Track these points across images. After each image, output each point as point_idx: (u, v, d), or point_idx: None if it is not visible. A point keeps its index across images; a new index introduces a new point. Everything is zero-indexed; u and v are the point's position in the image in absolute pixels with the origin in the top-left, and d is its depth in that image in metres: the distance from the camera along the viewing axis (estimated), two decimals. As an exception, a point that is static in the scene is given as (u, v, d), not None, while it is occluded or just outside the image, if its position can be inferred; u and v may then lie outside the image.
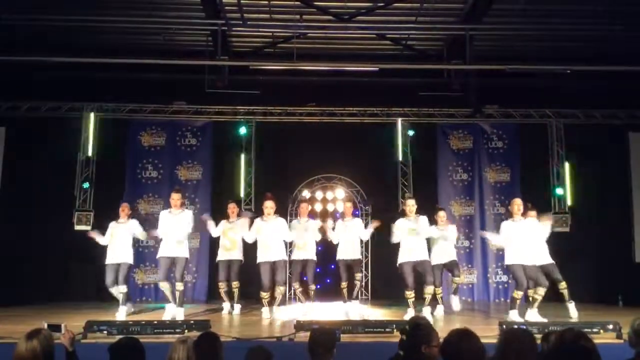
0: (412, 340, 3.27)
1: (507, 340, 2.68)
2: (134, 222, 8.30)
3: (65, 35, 9.40)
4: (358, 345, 5.70)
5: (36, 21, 8.74)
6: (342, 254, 8.82)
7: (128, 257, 8.15)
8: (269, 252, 8.01)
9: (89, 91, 10.41)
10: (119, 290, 8.01)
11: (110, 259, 8.11)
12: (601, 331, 6.03)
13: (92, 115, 10.71)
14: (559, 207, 10.84)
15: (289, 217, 10.33)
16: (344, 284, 8.88)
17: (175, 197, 7.76)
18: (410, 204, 8.00)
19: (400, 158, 11.10)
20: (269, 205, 8.15)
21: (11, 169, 10.38)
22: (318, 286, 8.88)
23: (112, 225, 8.30)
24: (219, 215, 8.99)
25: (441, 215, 8.55)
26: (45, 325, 3.59)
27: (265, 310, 7.96)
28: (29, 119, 10.53)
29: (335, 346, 3.66)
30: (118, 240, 8.15)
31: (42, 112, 10.60)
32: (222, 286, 8.54)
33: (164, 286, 7.67)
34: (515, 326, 5.73)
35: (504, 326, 5.82)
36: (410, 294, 7.73)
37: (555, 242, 8.14)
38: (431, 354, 3.24)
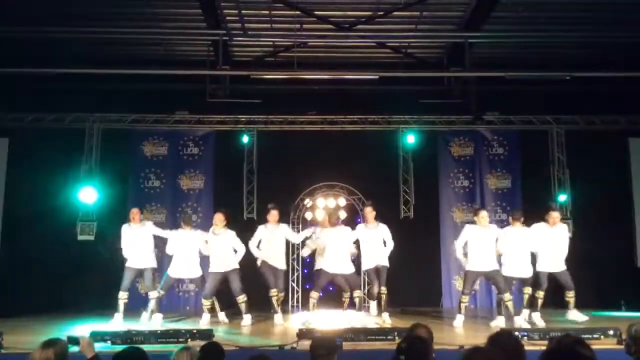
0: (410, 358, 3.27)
1: (490, 344, 2.71)
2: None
3: (68, 47, 9.47)
4: (360, 353, 5.73)
5: (38, 33, 8.80)
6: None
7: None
8: (218, 264, 8.45)
9: (92, 102, 10.46)
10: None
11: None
12: (602, 337, 6.05)
13: (95, 125, 10.81)
14: (561, 214, 10.83)
15: (291, 225, 10.36)
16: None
17: (274, 213, 8.61)
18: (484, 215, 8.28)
19: (402, 165, 11.14)
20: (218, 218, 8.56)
21: (14, 179, 10.43)
22: (321, 294, 8.87)
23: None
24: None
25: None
26: (66, 338, 3.61)
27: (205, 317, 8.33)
28: (32, 130, 10.58)
29: (336, 352, 3.68)
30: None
31: (46, 123, 10.65)
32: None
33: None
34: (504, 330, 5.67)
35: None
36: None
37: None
38: None
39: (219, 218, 8.54)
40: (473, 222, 8.41)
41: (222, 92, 9.89)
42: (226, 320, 8.52)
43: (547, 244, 8.04)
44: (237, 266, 8.54)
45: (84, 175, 10.52)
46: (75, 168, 10.53)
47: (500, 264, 8.13)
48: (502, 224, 11.08)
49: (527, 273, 8.10)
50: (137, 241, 8.45)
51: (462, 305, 8.17)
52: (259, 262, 8.57)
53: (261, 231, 8.64)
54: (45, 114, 10.62)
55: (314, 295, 8.32)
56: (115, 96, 10.33)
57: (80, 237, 10.23)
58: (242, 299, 8.39)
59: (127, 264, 8.45)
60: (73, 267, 10.36)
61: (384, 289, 8.56)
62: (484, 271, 8.12)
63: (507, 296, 7.96)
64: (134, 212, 8.63)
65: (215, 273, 8.47)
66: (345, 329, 6.79)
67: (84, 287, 10.21)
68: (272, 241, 8.56)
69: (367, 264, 8.65)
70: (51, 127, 10.66)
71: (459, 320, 8.05)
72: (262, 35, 9.38)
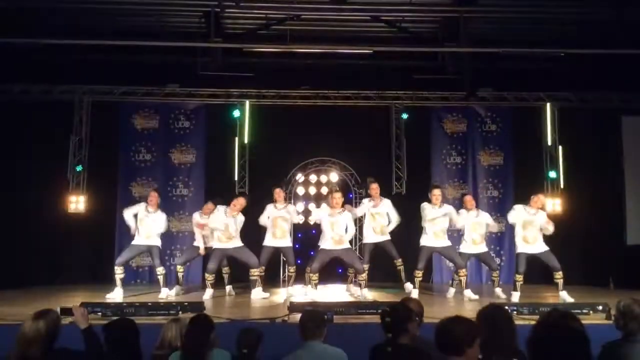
0: (395, 320, 3.34)
1: (480, 318, 2.72)
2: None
3: (57, 18, 9.29)
4: (351, 327, 5.76)
5: (26, 3, 8.64)
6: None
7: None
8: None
9: (81, 74, 10.31)
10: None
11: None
12: (591, 312, 6.11)
13: (85, 97, 10.67)
14: (552, 190, 10.88)
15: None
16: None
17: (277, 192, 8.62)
18: (437, 193, 8.41)
19: (394, 141, 11.11)
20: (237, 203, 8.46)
21: (2, 152, 10.29)
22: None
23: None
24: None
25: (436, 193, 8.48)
26: (58, 310, 3.48)
27: (209, 291, 8.22)
28: (20, 102, 10.41)
29: (324, 324, 3.69)
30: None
31: (34, 95, 10.49)
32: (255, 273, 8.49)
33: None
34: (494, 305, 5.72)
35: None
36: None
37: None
38: (413, 330, 3.34)
39: (240, 203, 8.44)
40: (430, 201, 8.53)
41: (214, 65, 9.76)
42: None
43: (527, 226, 8.09)
44: (241, 243, 8.45)
45: (74, 148, 10.42)
46: (64, 141, 10.40)
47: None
48: (494, 200, 11.19)
49: (482, 249, 8.59)
50: (149, 224, 8.38)
51: (416, 280, 8.29)
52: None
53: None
54: (33, 85, 10.45)
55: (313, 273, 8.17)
56: (105, 68, 10.18)
57: (70, 211, 10.20)
58: (256, 272, 8.27)
59: (133, 242, 8.40)
60: (62, 240, 10.34)
61: (400, 261, 8.65)
62: (437, 247, 8.48)
63: (462, 272, 8.35)
64: (153, 195, 8.48)
65: (221, 249, 8.35)
66: (336, 302, 6.82)
67: (72, 260, 10.22)
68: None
69: (368, 239, 8.72)
70: (39, 99, 10.50)
71: (451, 292, 8.49)
72: (254, 7, 9.22)
